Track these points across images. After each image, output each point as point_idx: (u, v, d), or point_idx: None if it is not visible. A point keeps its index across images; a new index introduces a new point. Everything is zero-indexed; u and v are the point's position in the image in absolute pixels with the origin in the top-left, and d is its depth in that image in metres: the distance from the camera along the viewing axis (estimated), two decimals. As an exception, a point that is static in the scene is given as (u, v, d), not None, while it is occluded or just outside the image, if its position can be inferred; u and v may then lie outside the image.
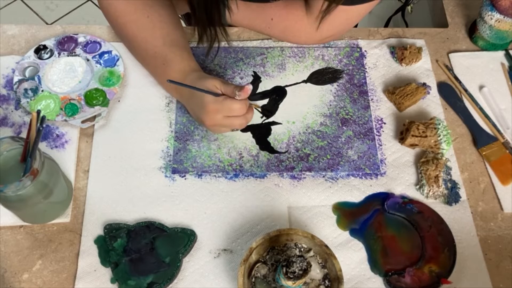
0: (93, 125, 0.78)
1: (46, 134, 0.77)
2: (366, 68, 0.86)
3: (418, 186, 0.74)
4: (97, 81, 0.82)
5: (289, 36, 0.82)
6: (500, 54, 0.89)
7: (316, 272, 0.62)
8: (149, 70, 0.81)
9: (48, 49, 0.85)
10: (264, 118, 0.81)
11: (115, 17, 0.78)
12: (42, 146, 0.76)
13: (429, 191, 0.73)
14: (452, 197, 0.73)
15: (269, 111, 0.81)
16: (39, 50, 0.84)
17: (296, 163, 0.76)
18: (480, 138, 0.79)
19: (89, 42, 0.86)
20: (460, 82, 0.85)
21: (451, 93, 0.84)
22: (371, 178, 0.75)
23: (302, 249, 0.64)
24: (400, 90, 0.81)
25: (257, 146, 0.78)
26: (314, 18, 0.75)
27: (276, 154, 0.77)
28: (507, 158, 0.77)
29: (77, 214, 0.71)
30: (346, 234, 0.71)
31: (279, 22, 0.78)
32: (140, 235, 0.68)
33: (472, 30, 0.90)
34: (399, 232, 0.71)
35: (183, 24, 0.95)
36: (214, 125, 0.72)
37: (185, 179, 0.74)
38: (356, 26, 0.96)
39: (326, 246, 0.62)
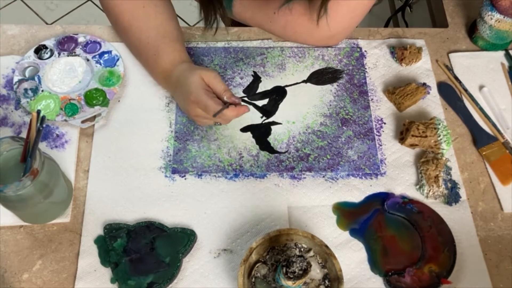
0: (93, 125, 0.78)
1: (46, 134, 0.77)
2: (366, 68, 0.86)
3: (418, 186, 0.74)
4: (97, 81, 0.82)
5: (290, 32, 0.81)
6: (500, 54, 0.89)
7: (316, 272, 0.62)
8: (141, 61, 0.82)
9: (48, 49, 0.84)
10: (264, 118, 0.81)
11: (112, 6, 0.79)
12: (42, 146, 0.76)
13: (429, 191, 0.73)
14: (452, 197, 0.73)
15: (268, 111, 0.81)
16: (39, 50, 0.84)
17: (296, 163, 0.76)
18: (480, 138, 0.79)
19: (89, 42, 0.86)
20: (460, 82, 0.85)
21: (451, 93, 0.84)
22: (371, 178, 0.75)
23: (302, 249, 0.64)
24: (400, 90, 0.81)
25: (257, 146, 0.78)
26: (314, 14, 0.74)
27: (276, 154, 0.77)
28: (507, 158, 0.77)
29: (77, 214, 0.71)
30: (346, 234, 0.71)
31: (281, 16, 0.78)
32: (140, 235, 0.68)
33: (472, 30, 0.90)
34: (399, 232, 0.71)
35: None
36: (196, 116, 0.72)
37: (185, 179, 0.74)
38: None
39: (326, 246, 0.62)
